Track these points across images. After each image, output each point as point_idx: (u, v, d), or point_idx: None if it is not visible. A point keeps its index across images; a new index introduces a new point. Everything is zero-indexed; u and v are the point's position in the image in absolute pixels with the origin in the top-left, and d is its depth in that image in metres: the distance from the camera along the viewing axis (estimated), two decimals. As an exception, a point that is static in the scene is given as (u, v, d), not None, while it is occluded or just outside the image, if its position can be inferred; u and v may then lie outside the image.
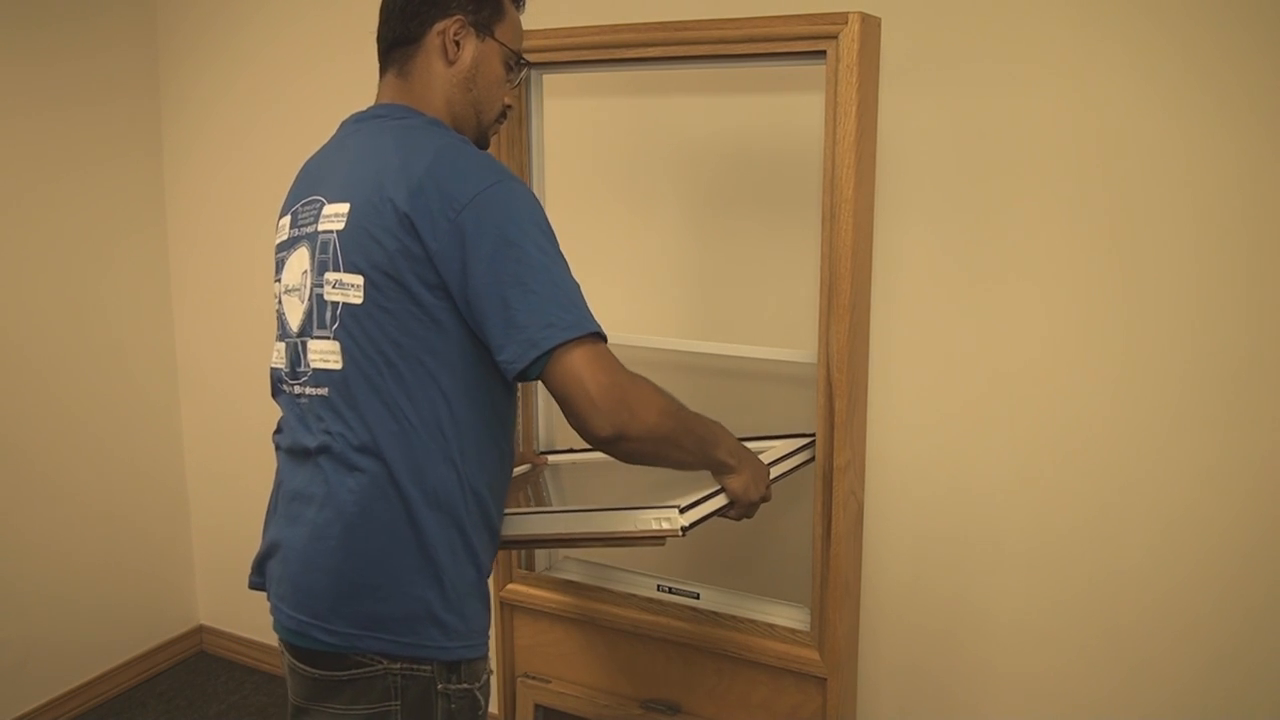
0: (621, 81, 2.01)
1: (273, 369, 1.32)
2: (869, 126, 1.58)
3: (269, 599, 1.28)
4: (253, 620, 2.81)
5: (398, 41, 1.27)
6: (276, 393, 1.32)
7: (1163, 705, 1.71)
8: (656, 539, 1.29)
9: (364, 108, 1.31)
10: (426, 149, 1.16)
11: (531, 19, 1.81)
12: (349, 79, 2.27)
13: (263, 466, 2.62)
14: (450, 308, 1.15)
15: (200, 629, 2.93)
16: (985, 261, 1.73)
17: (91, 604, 2.63)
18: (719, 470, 1.34)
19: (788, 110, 1.86)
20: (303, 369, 1.23)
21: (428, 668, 1.20)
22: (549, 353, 1.10)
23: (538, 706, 1.92)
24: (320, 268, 1.20)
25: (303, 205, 1.26)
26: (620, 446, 1.14)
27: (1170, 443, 1.65)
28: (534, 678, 1.91)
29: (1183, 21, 1.54)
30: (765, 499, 1.40)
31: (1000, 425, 1.77)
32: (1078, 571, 1.75)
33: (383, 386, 1.16)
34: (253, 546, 3.00)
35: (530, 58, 1.72)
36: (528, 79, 1.79)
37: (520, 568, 1.90)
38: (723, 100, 1.93)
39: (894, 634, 1.91)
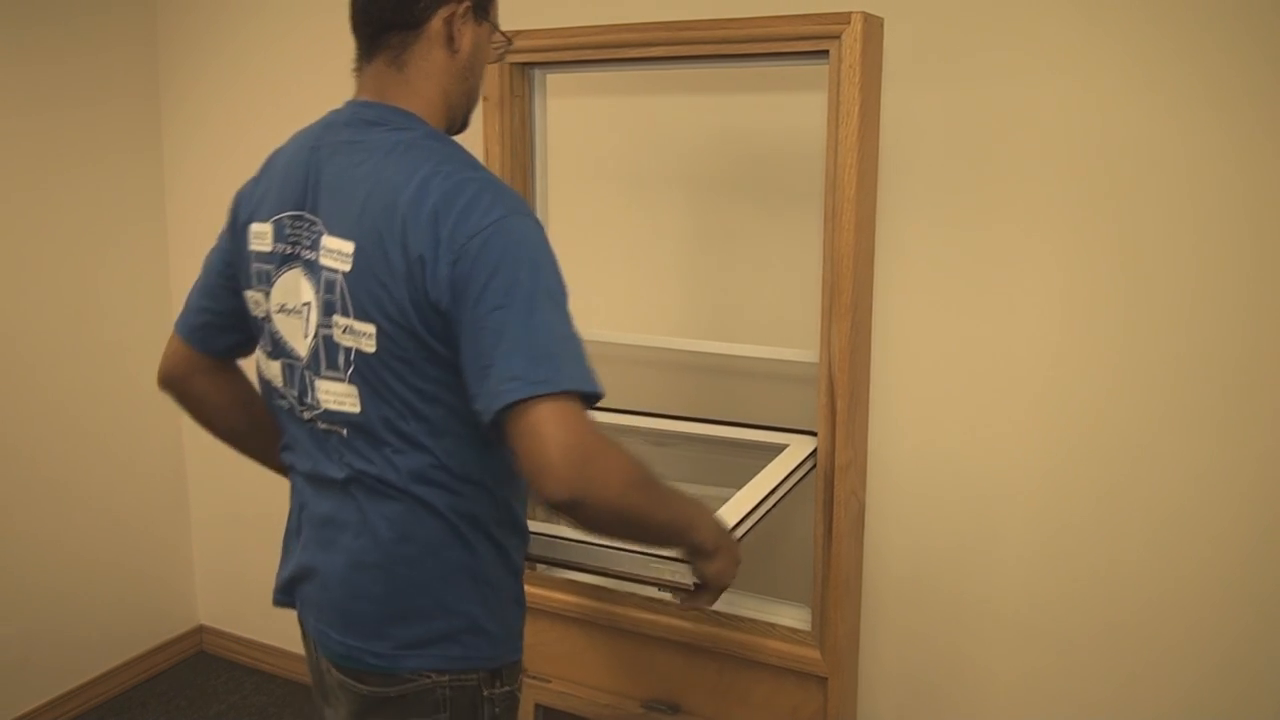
0: (623, 81, 2.02)
1: (266, 382, 1.27)
2: (871, 126, 1.58)
3: (306, 621, 1.28)
4: (253, 620, 2.81)
5: (392, 26, 1.16)
6: (276, 408, 1.28)
7: (1163, 704, 1.72)
8: (673, 588, 1.34)
9: (353, 100, 1.21)
10: (431, 185, 1.08)
11: (531, 19, 1.81)
12: (349, 77, 2.26)
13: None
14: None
15: (200, 629, 2.93)
16: (987, 262, 1.74)
17: (91, 604, 2.63)
18: (693, 554, 1.23)
19: (790, 110, 1.86)
20: (312, 403, 1.19)
21: (474, 677, 1.21)
22: (510, 407, 1.00)
23: (538, 706, 1.92)
24: (327, 308, 1.14)
25: (290, 219, 1.18)
26: (577, 514, 1.02)
27: (1171, 442, 1.65)
28: (534, 677, 1.91)
29: (1184, 21, 1.54)
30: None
31: (1001, 425, 1.77)
32: (1079, 571, 1.75)
33: (406, 429, 1.13)
34: (253, 547, 2.98)
35: (531, 58, 1.72)
36: (530, 79, 1.79)
37: (521, 567, 1.90)
38: (724, 100, 1.93)
39: (895, 633, 1.91)
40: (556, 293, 1.07)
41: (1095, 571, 1.73)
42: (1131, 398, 1.67)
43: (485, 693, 1.22)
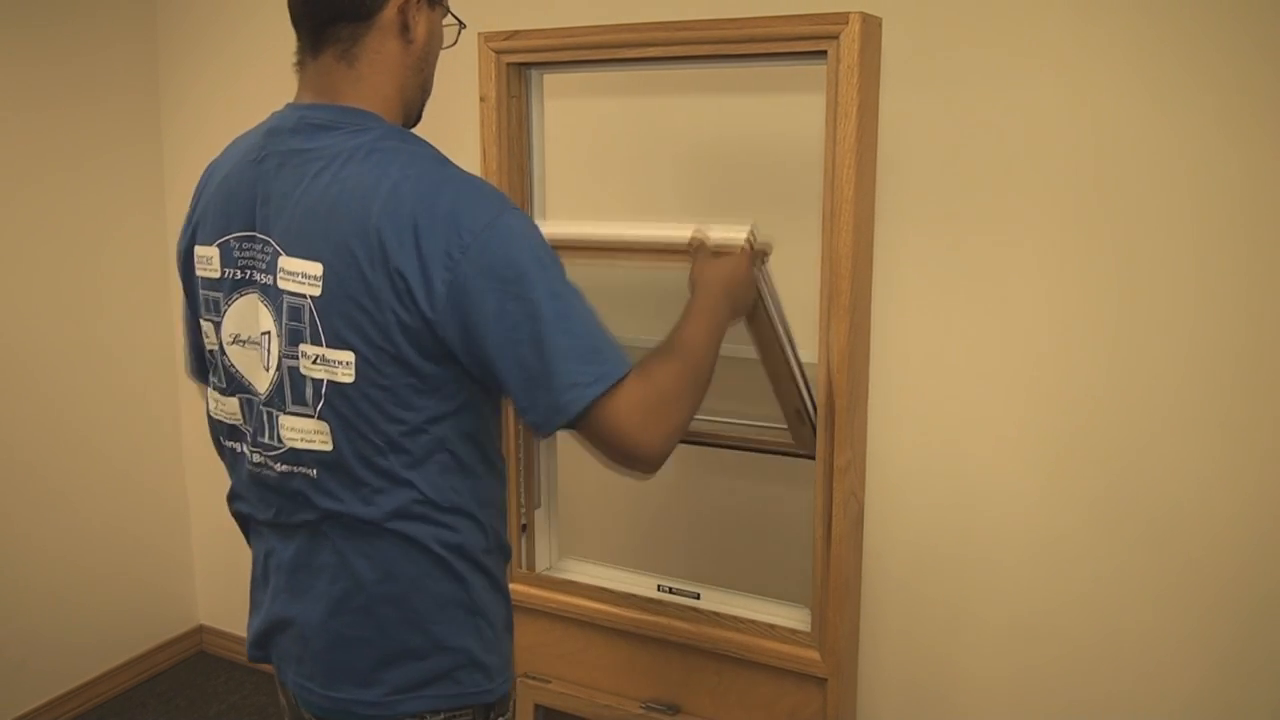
0: (621, 81, 2.01)
1: (217, 422, 1.19)
2: (870, 127, 1.57)
3: (284, 675, 1.20)
4: (252, 620, 2.82)
5: (341, 17, 1.08)
6: (226, 451, 1.21)
7: (1162, 706, 1.71)
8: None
9: (296, 103, 1.13)
10: (404, 193, 1.00)
11: (532, 19, 1.81)
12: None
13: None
14: (452, 373, 1.04)
15: (200, 629, 2.93)
16: (986, 262, 1.73)
17: (91, 604, 2.63)
18: (730, 317, 1.27)
19: (788, 110, 1.86)
20: (271, 442, 1.10)
21: (468, 712, 1.15)
22: (579, 414, 1.00)
23: (538, 706, 1.92)
24: (292, 336, 1.04)
25: (238, 240, 1.08)
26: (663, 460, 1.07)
27: (1169, 444, 1.65)
28: (534, 678, 1.91)
29: (1183, 22, 1.54)
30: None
31: (1001, 425, 1.77)
32: (1077, 573, 1.74)
33: (385, 465, 1.05)
34: (252, 547, 2.94)
35: (528, 58, 1.72)
36: (527, 79, 1.79)
37: (520, 568, 1.90)
38: (723, 100, 1.93)
39: (894, 634, 1.91)
40: (567, 281, 1.03)
41: (1093, 573, 1.73)
42: (1130, 399, 1.66)
43: None
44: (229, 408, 1.16)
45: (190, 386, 2.78)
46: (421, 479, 1.07)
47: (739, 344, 1.90)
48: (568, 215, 1.97)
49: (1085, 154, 1.63)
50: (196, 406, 2.77)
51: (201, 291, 1.14)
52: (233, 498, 1.24)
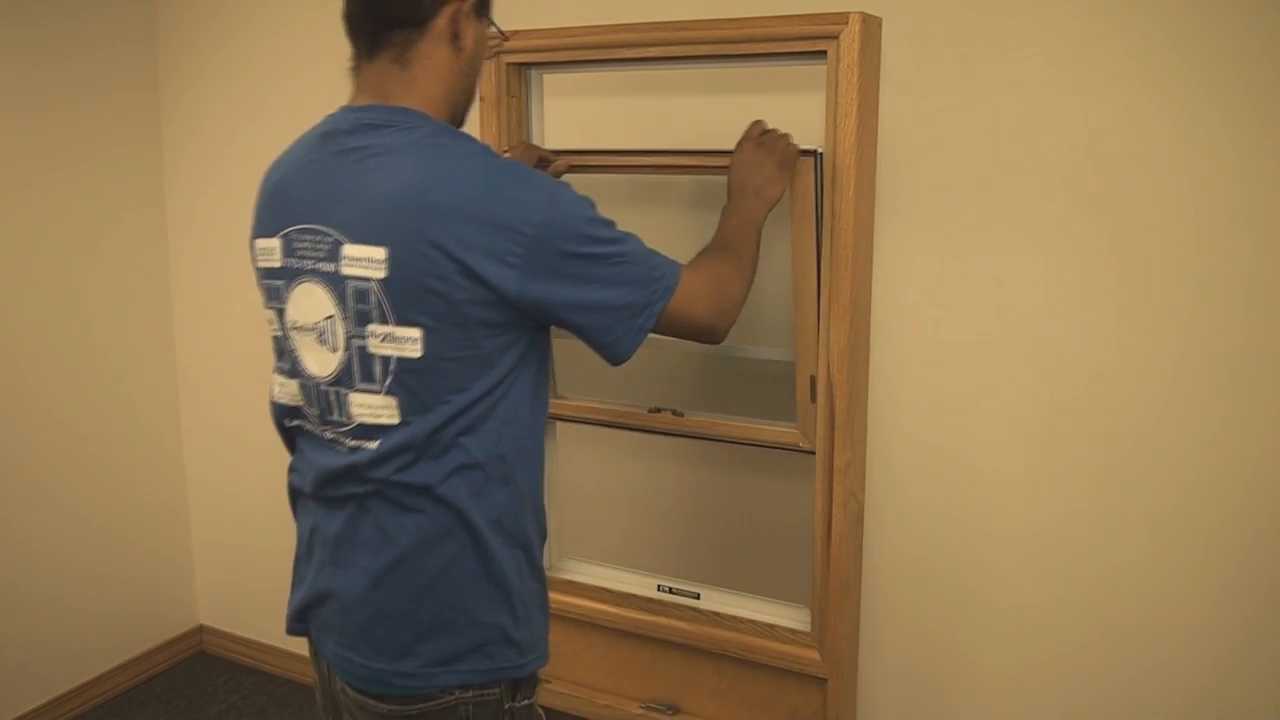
0: (621, 81, 2.01)
1: (280, 405, 1.26)
2: (870, 127, 1.57)
3: (322, 646, 1.25)
4: (253, 620, 2.81)
5: (395, 23, 1.14)
6: (289, 430, 1.27)
7: (1164, 702, 1.71)
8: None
9: (350, 105, 1.19)
10: (460, 178, 1.09)
11: (532, 19, 1.80)
12: (347, 75, 2.26)
13: (263, 465, 2.63)
14: (505, 341, 1.13)
15: (200, 629, 2.93)
16: (985, 262, 1.73)
17: (91, 604, 2.63)
18: (762, 209, 1.46)
19: (788, 111, 1.86)
20: (341, 419, 1.17)
21: (496, 690, 1.20)
22: (660, 314, 1.20)
23: (539, 706, 1.92)
24: (360, 318, 1.12)
25: (298, 233, 1.16)
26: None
27: (1171, 443, 1.65)
28: (534, 678, 1.91)
29: (1184, 22, 1.54)
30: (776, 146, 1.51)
31: (1001, 425, 1.77)
32: (1078, 571, 1.74)
33: (446, 435, 1.13)
34: (253, 547, 2.98)
35: (527, 58, 1.72)
36: (526, 79, 1.79)
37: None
38: (723, 100, 1.92)
39: (894, 634, 1.91)
40: (617, 231, 1.19)
41: (1095, 571, 1.73)
42: (1130, 398, 1.66)
43: (506, 706, 1.21)
44: (290, 389, 1.23)
45: (190, 386, 2.78)
46: (476, 445, 1.15)
47: (743, 345, 1.90)
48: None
49: (1086, 153, 1.63)
50: (197, 408, 2.78)
51: (264, 281, 1.23)
52: (290, 470, 1.30)
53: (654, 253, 1.21)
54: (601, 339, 1.18)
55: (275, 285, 1.20)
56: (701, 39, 1.55)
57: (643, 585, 1.83)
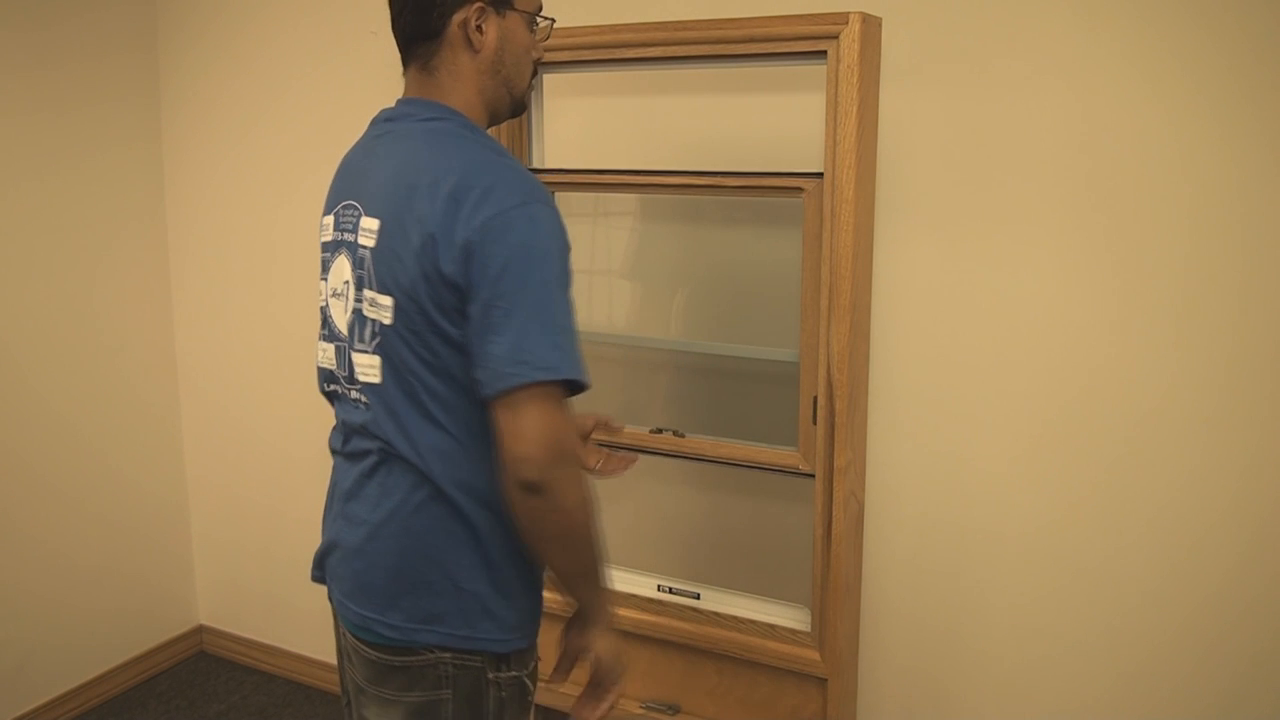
0: (621, 81, 2.01)
1: (322, 369, 1.33)
2: (870, 127, 1.58)
3: (331, 593, 1.33)
4: (253, 620, 2.81)
5: (416, 37, 1.23)
6: (330, 393, 1.34)
7: (1165, 697, 1.71)
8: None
9: (401, 98, 1.28)
10: (454, 166, 1.14)
11: (531, 19, 1.81)
12: (348, 79, 2.27)
13: (263, 465, 2.63)
14: (461, 321, 1.15)
15: (200, 629, 2.93)
16: (985, 262, 1.73)
17: (91, 604, 2.63)
18: (596, 616, 1.30)
19: (788, 110, 1.86)
20: (354, 377, 1.25)
21: (478, 659, 1.24)
22: (515, 389, 1.09)
23: (537, 706, 1.92)
24: (359, 283, 1.21)
25: (343, 208, 1.26)
26: (531, 501, 1.12)
27: (1169, 440, 1.65)
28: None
29: (1182, 26, 1.54)
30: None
31: (1000, 425, 1.77)
32: (1078, 571, 1.75)
33: (420, 400, 1.18)
34: (253, 547, 2.99)
35: (530, 57, 1.72)
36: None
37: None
38: (723, 100, 1.93)
39: (894, 634, 1.91)
40: (566, 283, 1.14)
41: (1094, 568, 1.73)
42: (1129, 399, 1.66)
43: (490, 675, 1.25)
44: (329, 354, 1.30)
45: (190, 387, 2.78)
46: (451, 423, 1.18)
47: (744, 344, 1.90)
48: (567, 214, 1.97)
49: (1085, 154, 1.63)
50: (197, 407, 2.78)
51: (322, 255, 1.31)
52: (332, 430, 1.36)
53: (573, 335, 1.14)
54: (477, 353, 1.13)
55: (325, 257, 1.30)
56: (701, 39, 1.55)
57: (643, 585, 1.84)
